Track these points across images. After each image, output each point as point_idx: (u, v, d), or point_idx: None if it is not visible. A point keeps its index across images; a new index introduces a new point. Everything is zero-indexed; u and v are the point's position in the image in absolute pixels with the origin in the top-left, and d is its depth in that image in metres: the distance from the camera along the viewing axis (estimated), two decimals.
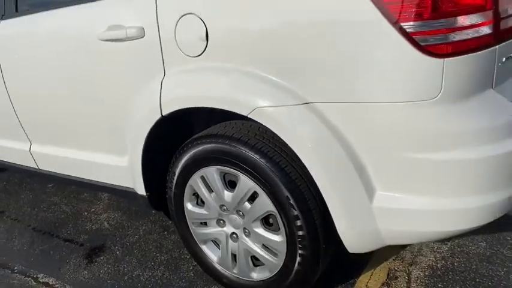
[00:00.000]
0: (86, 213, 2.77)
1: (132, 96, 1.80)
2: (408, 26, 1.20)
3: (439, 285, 1.87)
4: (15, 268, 2.33)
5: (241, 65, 1.48)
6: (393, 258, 2.07)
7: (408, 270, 1.99)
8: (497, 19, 1.24)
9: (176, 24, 1.59)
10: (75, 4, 1.92)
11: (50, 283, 2.18)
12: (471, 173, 1.33)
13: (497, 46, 1.27)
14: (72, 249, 2.43)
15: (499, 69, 1.32)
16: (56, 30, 2.00)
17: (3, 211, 2.95)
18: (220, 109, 1.56)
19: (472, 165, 1.32)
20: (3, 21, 2.24)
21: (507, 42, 1.31)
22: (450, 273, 1.94)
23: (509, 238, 2.11)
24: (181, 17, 1.57)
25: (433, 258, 2.04)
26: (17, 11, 2.20)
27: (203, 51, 1.56)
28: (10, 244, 2.55)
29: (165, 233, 2.46)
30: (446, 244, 2.12)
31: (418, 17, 1.19)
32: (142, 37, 1.69)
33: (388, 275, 1.98)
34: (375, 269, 2.01)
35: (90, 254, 2.37)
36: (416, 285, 1.88)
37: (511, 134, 1.33)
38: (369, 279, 1.96)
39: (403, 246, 2.14)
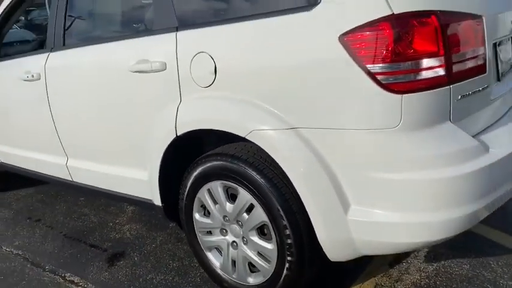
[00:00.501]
0: (111, 224, 3.08)
1: (153, 119, 2.11)
2: (372, 67, 1.46)
3: None
4: (47, 267, 2.64)
5: (241, 94, 1.78)
6: (381, 274, 2.26)
7: (394, 286, 2.17)
8: (449, 63, 1.49)
9: (191, 60, 1.91)
10: (112, 41, 2.29)
11: (75, 281, 2.47)
12: (431, 192, 1.55)
13: (450, 86, 1.51)
14: (96, 253, 2.72)
15: (456, 105, 1.56)
16: (95, 62, 2.37)
17: (40, 219, 3.30)
18: (224, 131, 1.84)
19: (432, 185, 1.54)
20: (52, 53, 2.64)
21: (461, 83, 1.55)
22: None
23: (491, 262, 2.26)
24: (196, 54, 1.89)
25: (418, 277, 2.22)
26: (64, 44, 2.60)
27: (212, 83, 1.86)
28: (44, 247, 2.88)
29: (179, 243, 2.73)
30: (433, 265, 2.29)
31: (381, 60, 1.46)
32: (164, 70, 2.02)
33: (375, 286, 2.17)
34: (363, 283, 2.20)
35: (111, 258, 2.66)
36: None
37: (466, 159, 1.55)
38: None
39: (391, 265, 2.33)
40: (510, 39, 2.06)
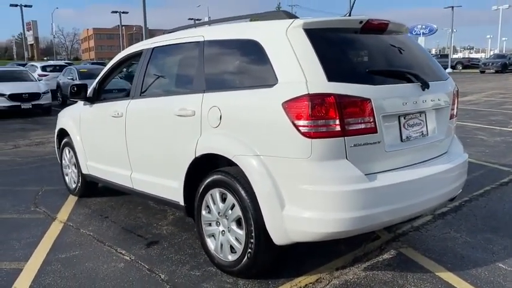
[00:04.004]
0: (154, 224, 4.25)
1: (184, 146, 3.29)
2: (296, 122, 2.54)
3: None
4: (106, 244, 3.83)
5: (232, 133, 2.91)
6: (326, 273, 3.16)
7: (331, 279, 3.07)
8: (342, 124, 2.51)
9: (209, 110, 3.09)
10: (167, 95, 3.58)
11: (123, 253, 3.62)
12: (332, 199, 2.53)
13: (344, 137, 2.53)
14: (140, 240, 3.88)
15: (350, 150, 2.56)
16: (156, 108, 3.65)
17: (108, 216, 4.56)
18: (221, 155, 2.97)
19: (332, 195, 2.52)
20: (132, 100, 3.98)
21: (353, 136, 2.56)
22: (355, 285, 2.98)
23: (409, 275, 3.09)
24: (211, 107, 3.07)
25: (351, 277, 3.09)
26: (140, 95, 3.94)
27: (218, 125, 3.02)
28: (107, 233, 4.09)
29: (197, 240, 3.79)
30: (366, 272, 3.16)
31: (301, 118, 2.53)
32: (194, 115, 3.22)
33: (317, 279, 3.08)
34: (311, 276, 3.12)
35: (149, 244, 3.79)
36: (329, 286, 2.97)
37: (353, 182, 2.53)
38: (304, 279, 3.07)
39: (337, 269, 3.22)
40: (424, 114, 3.02)
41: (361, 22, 2.90)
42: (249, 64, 3.03)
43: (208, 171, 3.22)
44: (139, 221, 4.39)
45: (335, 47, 2.79)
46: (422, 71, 3.03)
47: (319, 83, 2.56)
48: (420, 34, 62.83)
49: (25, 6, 39.11)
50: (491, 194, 4.95)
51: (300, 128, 2.54)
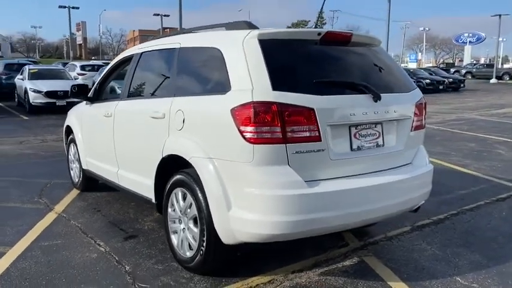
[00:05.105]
0: (139, 220, 4.46)
1: (156, 146, 3.48)
2: (241, 128, 2.66)
3: None
4: (89, 235, 4.07)
5: (191, 136, 3.07)
6: (281, 275, 3.25)
7: (283, 281, 3.16)
8: (283, 131, 2.62)
9: (175, 113, 3.26)
10: (146, 98, 3.79)
11: (101, 244, 3.85)
12: (271, 203, 2.63)
13: (286, 144, 2.63)
14: (120, 234, 4.10)
15: (292, 157, 2.65)
16: (137, 109, 3.87)
17: (100, 210, 4.82)
18: (180, 156, 3.13)
19: (271, 199, 2.63)
20: (120, 101, 4.22)
21: (295, 144, 2.65)
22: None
23: (360, 283, 3.13)
24: (177, 111, 3.25)
25: (304, 280, 3.17)
26: (127, 97, 4.17)
27: (182, 128, 3.19)
28: (93, 225, 4.34)
29: None
30: (320, 277, 3.22)
31: (245, 124, 2.65)
32: (164, 118, 3.40)
33: (270, 280, 3.18)
34: (265, 276, 3.22)
35: (127, 238, 4.00)
36: None
37: (292, 187, 2.62)
38: (258, 279, 3.18)
39: (293, 272, 3.30)
40: (380, 125, 3.07)
41: (319, 34, 2.98)
42: (212, 71, 3.17)
43: (176, 171, 3.39)
44: (127, 216, 4.62)
45: (286, 58, 2.89)
46: (378, 83, 3.08)
47: (263, 91, 2.67)
48: (467, 42, 60.78)
49: (73, 7, 41.00)
50: (482, 209, 4.86)
51: (244, 134, 2.66)
